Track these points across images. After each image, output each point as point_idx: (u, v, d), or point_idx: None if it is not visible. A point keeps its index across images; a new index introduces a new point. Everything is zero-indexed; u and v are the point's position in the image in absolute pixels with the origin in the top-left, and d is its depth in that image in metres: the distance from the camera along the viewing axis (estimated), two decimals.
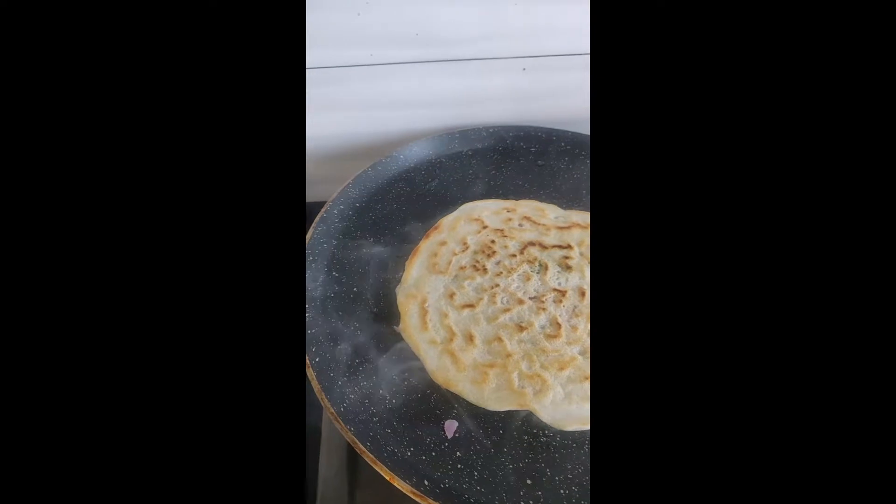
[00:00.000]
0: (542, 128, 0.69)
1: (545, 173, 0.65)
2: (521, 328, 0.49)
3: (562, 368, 0.46)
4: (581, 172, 0.65)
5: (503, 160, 0.66)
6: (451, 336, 0.48)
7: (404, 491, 0.38)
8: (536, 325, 0.49)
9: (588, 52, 0.66)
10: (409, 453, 0.42)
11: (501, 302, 0.51)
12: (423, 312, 0.49)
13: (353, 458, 0.48)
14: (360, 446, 0.40)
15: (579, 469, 0.42)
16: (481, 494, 0.40)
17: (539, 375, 0.46)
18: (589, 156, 0.67)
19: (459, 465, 0.42)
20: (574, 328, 0.49)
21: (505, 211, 0.59)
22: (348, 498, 0.46)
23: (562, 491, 0.41)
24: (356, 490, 0.47)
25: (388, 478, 0.38)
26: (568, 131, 0.69)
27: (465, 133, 0.68)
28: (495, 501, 0.40)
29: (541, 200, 0.61)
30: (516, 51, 0.65)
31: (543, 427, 0.44)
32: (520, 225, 0.58)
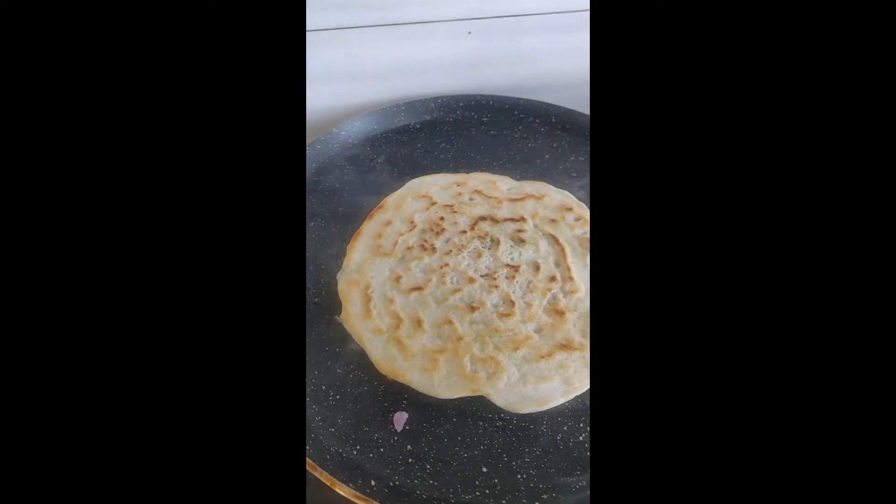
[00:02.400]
0: (493, 96, 0.66)
1: (498, 144, 0.62)
2: (472, 308, 0.46)
3: (516, 348, 0.44)
4: (536, 141, 0.62)
5: (453, 132, 0.63)
6: (398, 322, 0.45)
7: (347, 496, 0.35)
8: (489, 303, 0.46)
9: (536, 13, 0.62)
10: (354, 452, 0.39)
11: (451, 282, 0.48)
12: (367, 299, 0.46)
13: None
14: None
15: (537, 451, 0.40)
16: (434, 488, 0.38)
17: (492, 357, 0.43)
18: (549, 126, 0.64)
19: (410, 460, 0.39)
20: (528, 305, 0.46)
21: (455, 185, 0.56)
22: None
23: (519, 476, 0.39)
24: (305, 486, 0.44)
25: (328, 483, 0.36)
26: (521, 98, 0.65)
27: (412, 105, 0.64)
28: (449, 495, 0.38)
29: (493, 172, 0.58)
30: (460, 13, 0.61)
31: (498, 411, 0.42)
32: (470, 199, 0.54)
